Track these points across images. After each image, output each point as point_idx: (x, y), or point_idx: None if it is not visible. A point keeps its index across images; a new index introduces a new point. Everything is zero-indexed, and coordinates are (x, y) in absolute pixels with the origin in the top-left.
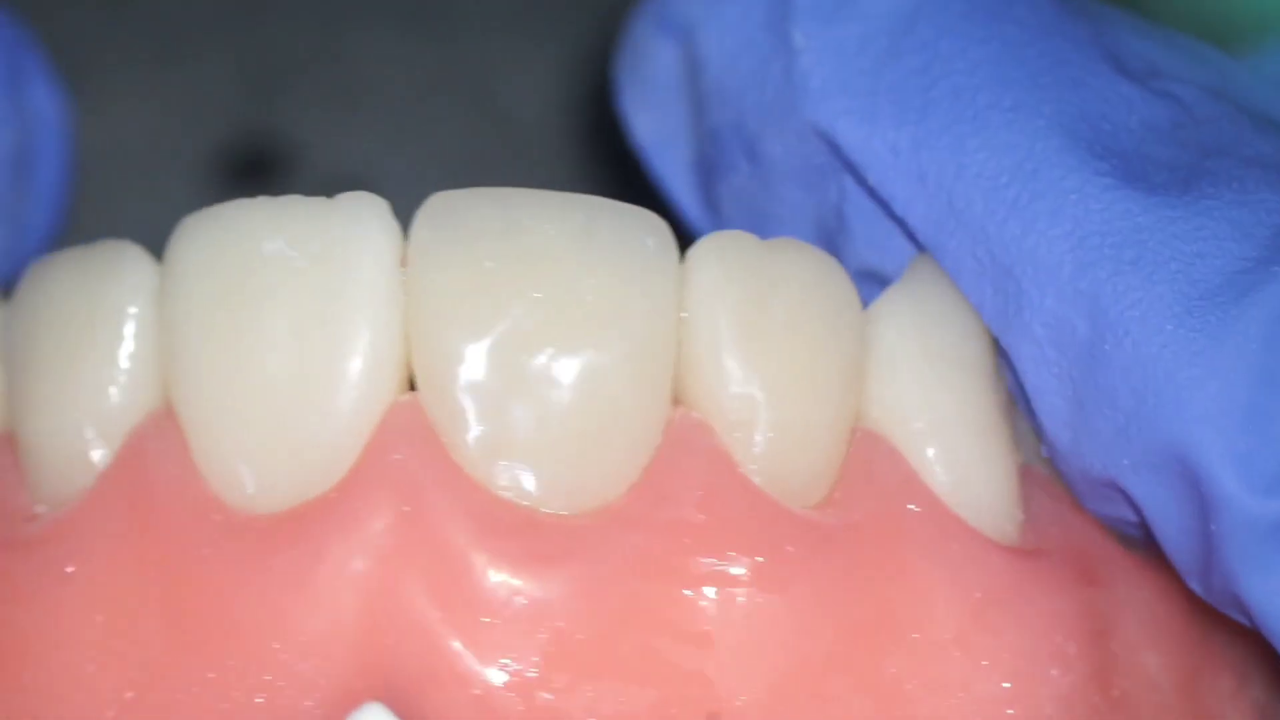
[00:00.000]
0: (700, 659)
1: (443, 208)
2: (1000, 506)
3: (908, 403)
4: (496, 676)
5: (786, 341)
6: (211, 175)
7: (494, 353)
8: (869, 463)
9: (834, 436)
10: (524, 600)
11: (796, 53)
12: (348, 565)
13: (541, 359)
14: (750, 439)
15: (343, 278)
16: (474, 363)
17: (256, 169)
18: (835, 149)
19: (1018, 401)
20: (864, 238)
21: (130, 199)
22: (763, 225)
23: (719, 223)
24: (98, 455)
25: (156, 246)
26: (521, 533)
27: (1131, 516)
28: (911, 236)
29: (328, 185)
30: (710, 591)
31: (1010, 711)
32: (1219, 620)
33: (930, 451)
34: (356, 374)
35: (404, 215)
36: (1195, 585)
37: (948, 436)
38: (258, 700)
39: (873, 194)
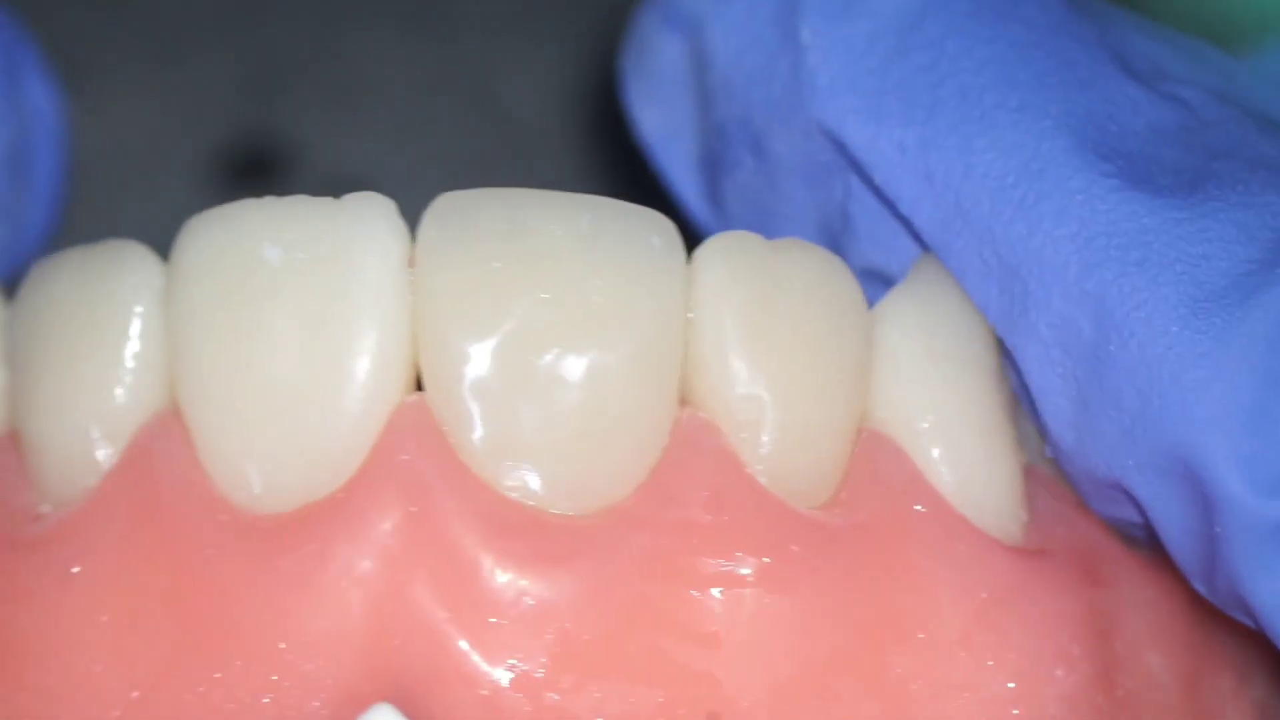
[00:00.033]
0: (707, 659)
1: (450, 208)
2: (1005, 507)
3: (913, 403)
4: (504, 677)
5: (793, 342)
6: (211, 175)
7: (501, 353)
8: (874, 463)
9: (840, 437)
10: (531, 600)
11: (804, 49)
12: (355, 565)
13: (548, 359)
14: (757, 439)
15: (350, 278)
16: (481, 363)
17: (256, 169)
18: (841, 147)
19: (1021, 401)
20: (869, 236)
21: (130, 199)
22: (767, 222)
23: (723, 218)
24: (103, 455)
25: (156, 247)
26: (529, 533)
27: (1135, 517)
28: (916, 236)
29: (328, 185)
30: (717, 592)
31: (1015, 712)
32: (1220, 619)
33: (935, 452)
34: (364, 374)
35: (404, 215)
36: (1199, 586)
37: (953, 437)
38: (264, 701)
39: (878, 193)
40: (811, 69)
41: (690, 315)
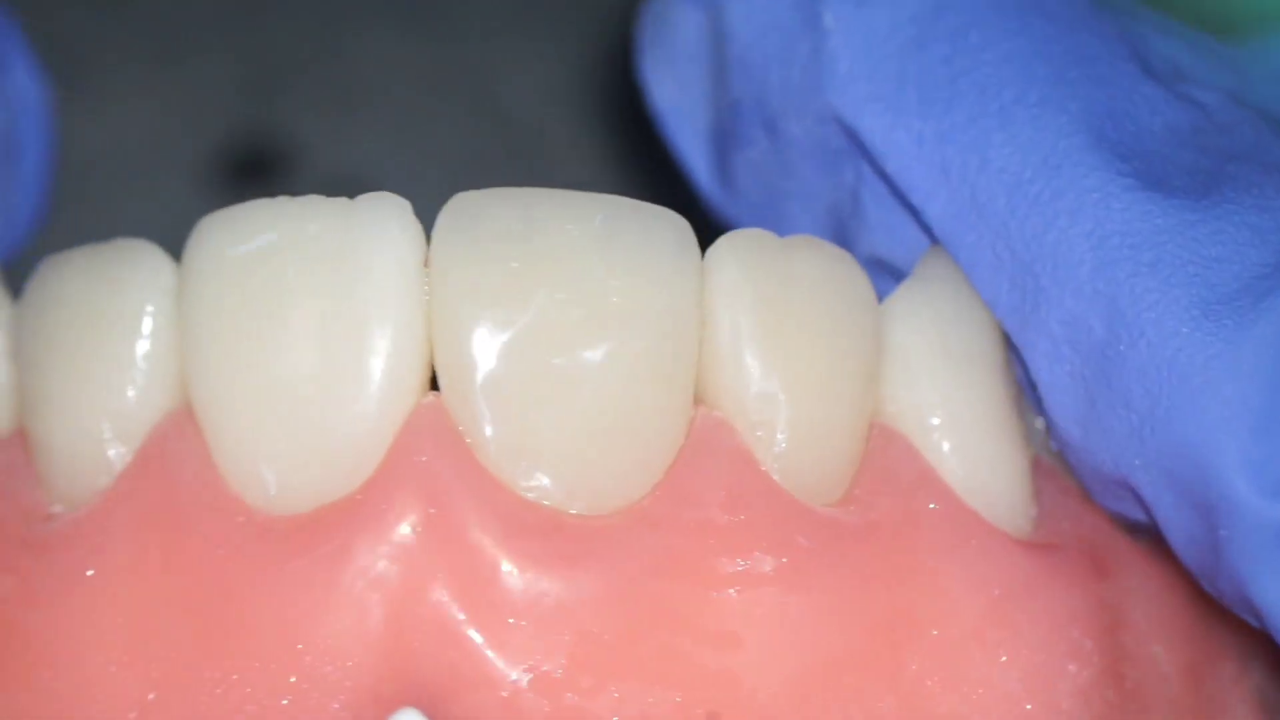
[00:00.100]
0: (725, 658)
1: (465, 208)
2: (1015, 501)
3: (924, 399)
4: (523, 678)
5: (806, 340)
6: (211, 175)
7: (517, 353)
8: (887, 460)
9: (853, 434)
10: (550, 601)
11: (825, 34)
12: (373, 567)
13: (565, 359)
14: (772, 438)
15: (365, 278)
16: (497, 363)
17: (256, 169)
18: (854, 135)
19: (1026, 395)
20: (879, 223)
21: (130, 199)
22: (776, 201)
23: (732, 195)
24: (114, 454)
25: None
26: (546, 534)
27: (1140, 514)
28: (925, 227)
29: (328, 185)
30: (734, 591)
31: (1029, 706)
32: (1221, 609)
33: (946, 447)
34: (379, 375)
35: None
36: (1204, 584)
37: (963, 432)
38: (283, 703)
39: (889, 182)
40: (832, 54)
41: (704, 313)
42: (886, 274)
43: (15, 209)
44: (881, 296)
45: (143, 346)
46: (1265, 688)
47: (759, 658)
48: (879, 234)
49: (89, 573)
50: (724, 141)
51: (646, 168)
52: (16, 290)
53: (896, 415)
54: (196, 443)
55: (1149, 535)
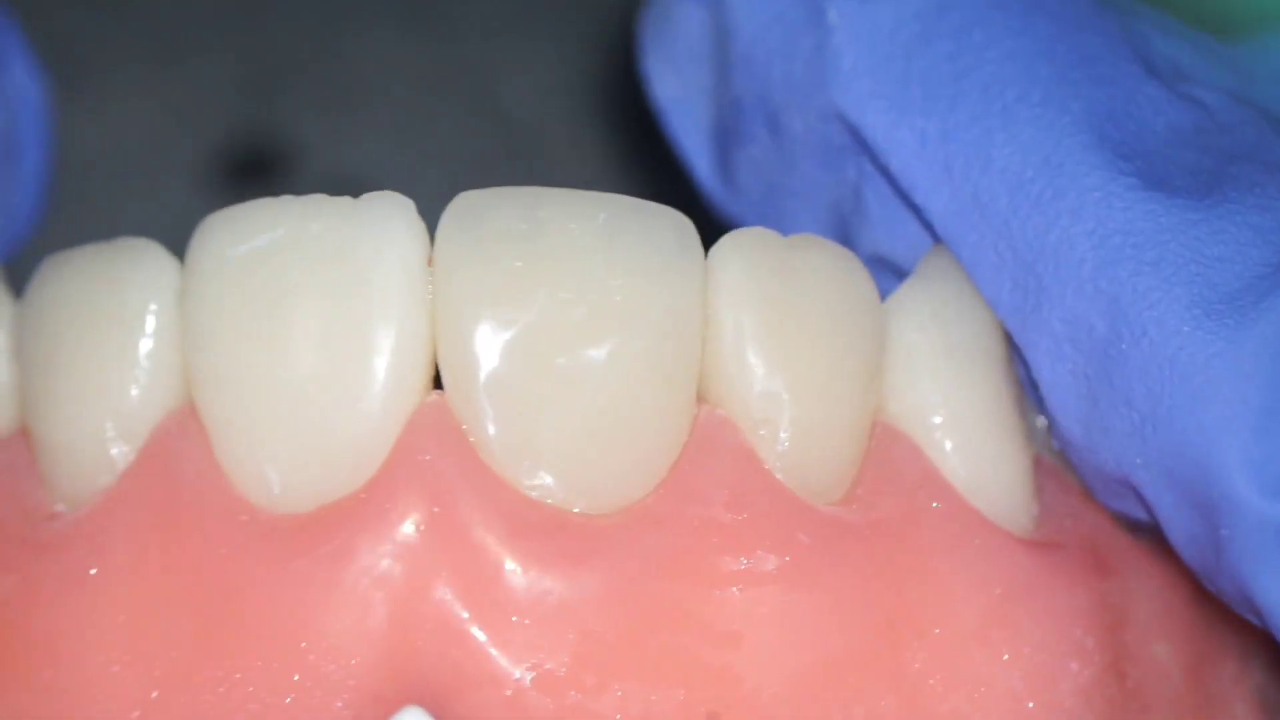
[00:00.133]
0: (728, 657)
1: (468, 207)
2: (1017, 500)
3: (926, 398)
4: (527, 676)
5: (809, 338)
6: (211, 175)
7: (521, 352)
8: (889, 458)
9: (856, 433)
10: (553, 600)
11: (829, 30)
12: (376, 565)
13: (568, 358)
14: (775, 436)
15: (368, 277)
16: (501, 362)
17: (256, 169)
18: (857, 133)
19: (1028, 394)
20: (880, 221)
21: (130, 199)
22: (777, 197)
23: (733, 191)
24: (117, 453)
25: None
26: (550, 532)
27: (1142, 513)
28: (927, 225)
29: (328, 185)
30: (738, 590)
31: (1031, 705)
32: (1221, 607)
33: (949, 446)
34: (383, 373)
35: None
36: (1205, 583)
37: (966, 431)
38: (286, 701)
39: (891, 180)
40: (835, 51)
41: (707, 312)
42: (888, 271)
43: (15, 208)
44: (883, 294)
45: (146, 345)
46: (1266, 687)
47: (762, 656)
48: (881, 231)
49: (92, 572)
50: (726, 138)
51: (647, 167)
52: (17, 289)
53: (899, 414)
54: (199, 442)
55: (1150, 534)
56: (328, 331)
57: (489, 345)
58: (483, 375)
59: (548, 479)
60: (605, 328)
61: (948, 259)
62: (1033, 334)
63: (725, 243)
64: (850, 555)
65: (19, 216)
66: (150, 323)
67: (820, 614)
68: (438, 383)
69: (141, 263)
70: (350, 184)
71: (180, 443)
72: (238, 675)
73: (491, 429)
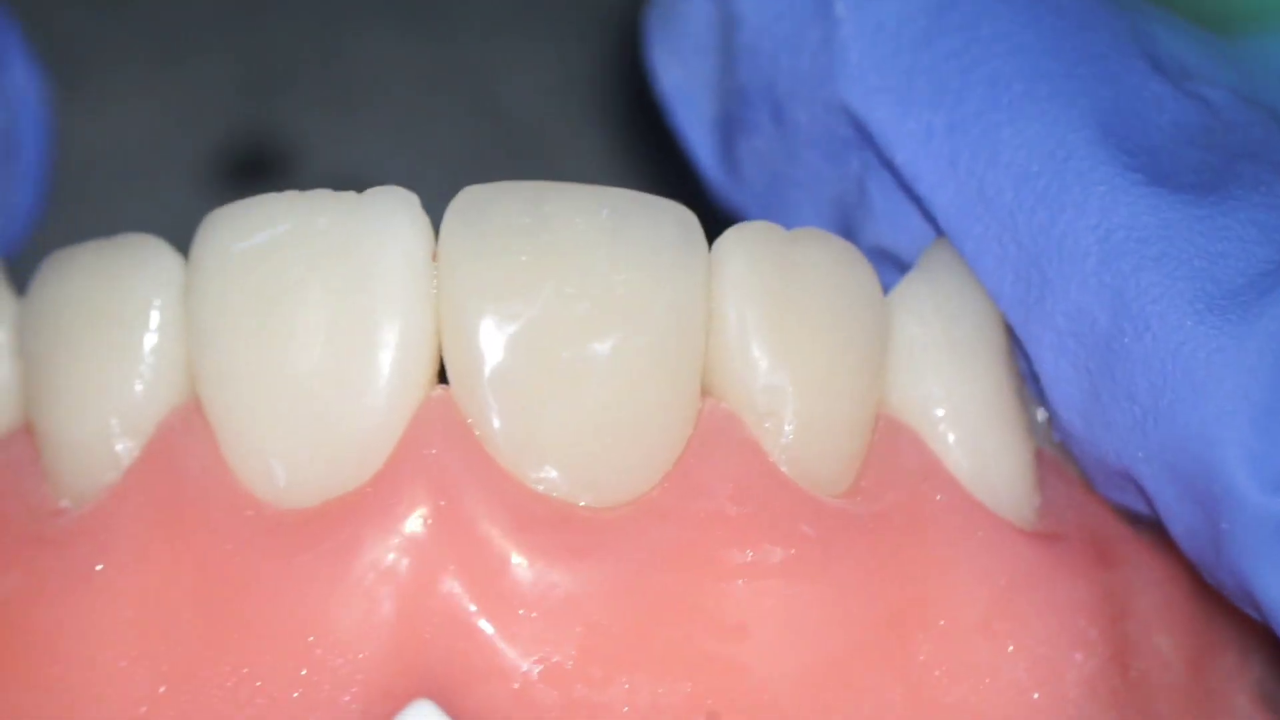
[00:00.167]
0: (735, 649)
1: (473, 202)
2: (1019, 492)
3: (929, 390)
4: (534, 669)
5: (813, 331)
6: (211, 175)
7: (526, 346)
8: (893, 451)
9: (860, 425)
10: (559, 593)
11: (837, 23)
12: (383, 559)
13: (573, 352)
14: (779, 429)
15: (373, 271)
16: (506, 357)
17: (256, 169)
18: (862, 126)
19: (1029, 386)
20: (884, 213)
21: (130, 199)
22: (780, 188)
23: (736, 180)
24: (122, 449)
25: None
26: (556, 526)
27: (1143, 506)
28: (930, 218)
29: (328, 185)
30: (743, 582)
31: (1036, 696)
32: (1221, 599)
33: (951, 438)
34: (388, 368)
35: None
36: (1205, 577)
37: (969, 423)
38: (294, 695)
39: (896, 172)
40: (843, 44)
41: (711, 306)
42: (890, 264)
43: (14, 207)
44: (886, 287)
45: (150, 341)
46: (1265, 680)
47: (768, 648)
48: (884, 224)
49: (98, 568)
50: (730, 128)
51: (647, 167)
52: (17, 289)
53: (901, 407)
54: (205, 437)
55: (1151, 527)
56: (332, 326)
57: (494, 339)
58: (488, 369)
59: (553, 473)
60: (610, 322)
61: (950, 252)
62: (1035, 327)
63: (729, 236)
64: (855, 548)
65: (18, 215)
66: (154, 318)
67: (826, 606)
68: (443, 377)
69: (145, 258)
70: (350, 184)
71: (185, 438)
72: (245, 670)
73: (497, 423)
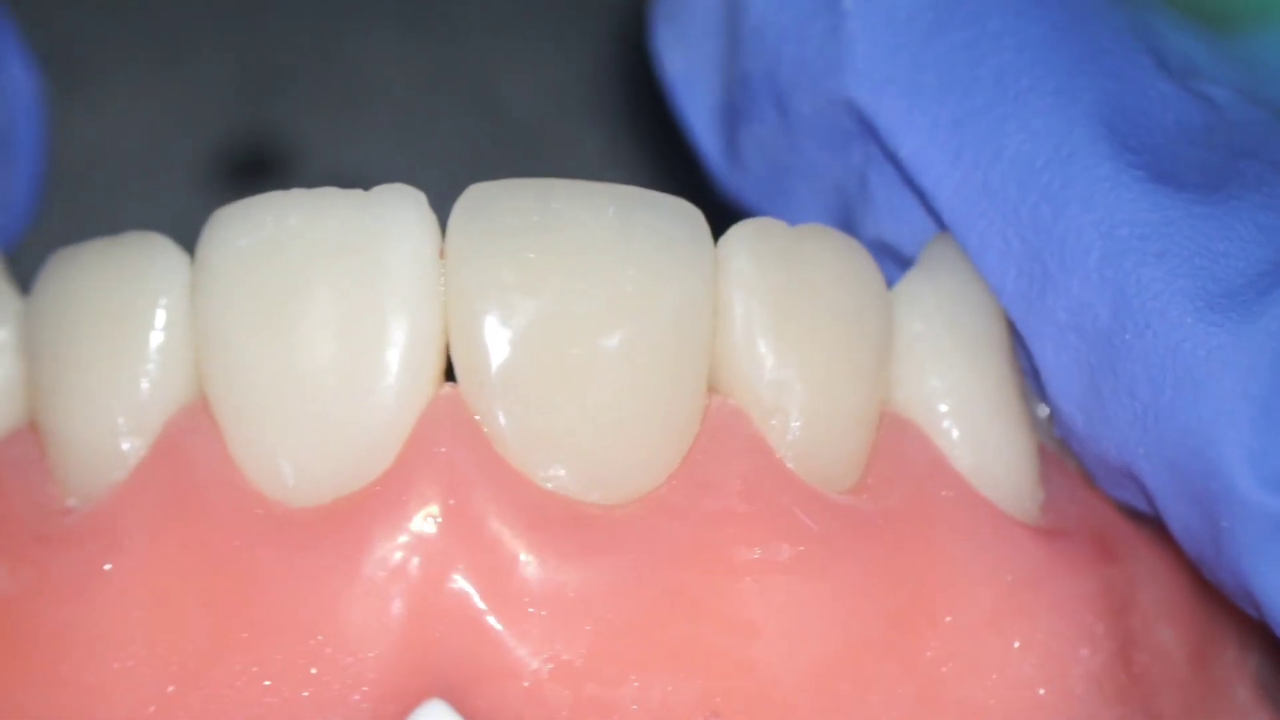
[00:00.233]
0: (744, 647)
1: (480, 199)
2: (1024, 487)
3: (933, 385)
4: (545, 668)
5: (819, 327)
6: (211, 175)
7: (534, 344)
8: (899, 447)
9: (865, 421)
10: (569, 591)
11: (844, 14)
12: (393, 558)
13: (581, 349)
14: (786, 426)
15: (381, 269)
16: (514, 354)
17: (256, 169)
18: (867, 118)
19: (1030, 382)
20: (885, 205)
21: (130, 199)
22: (782, 177)
23: (738, 168)
24: (129, 447)
25: None
26: (566, 524)
27: (1143, 504)
28: (932, 211)
29: (328, 185)
30: (752, 580)
31: (1042, 691)
32: (1221, 594)
33: (956, 434)
34: (397, 366)
35: None
36: (1205, 574)
37: (973, 419)
38: (304, 695)
39: (899, 165)
40: (850, 36)
41: (717, 303)
42: (890, 258)
43: (10, 204)
44: (886, 281)
45: (156, 339)
46: (1262, 675)
47: (777, 645)
48: (884, 216)
49: (106, 567)
50: (732, 115)
51: (647, 167)
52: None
53: (905, 403)
54: (212, 435)
55: (1151, 523)
56: (340, 324)
57: (501, 337)
58: (495, 367)
59: (561, 470)
60: (617, 318)
61: (952, 247)
62: (1037, 322)
63: (734, 233)
64: (863, 544)
65: (14, 213)
66: (161, 317)
67: (834, 603)
68: (450, 375)
69: (152, 256)
70: (351, 183)
71: (193, 436)
72: (255, 669)
73: (504, 420)
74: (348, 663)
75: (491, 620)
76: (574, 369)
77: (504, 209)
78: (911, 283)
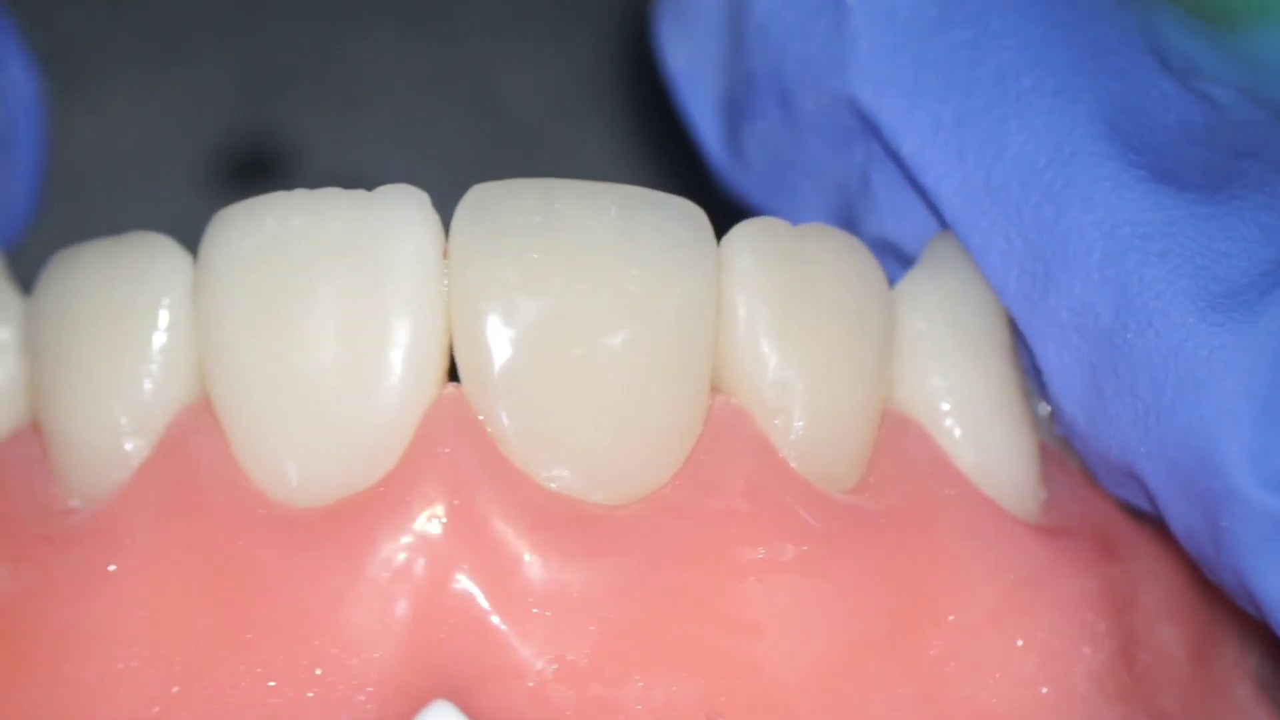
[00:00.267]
0: (748, 646)
1: (483, 200)
2: (1025, 486)
3: (935, 384)
4: (549, 668)
5: (821, 327)
6: (211, 175)
7: (537, 344)
8: (901, 446)
9: (868, 420)
10: (573, 591)
11: (847, 12)
12: (396, 558)
13: (584, 349)
14: (789, 425)
15: (384, 270)
16: (517, 354)
17: (256, 169)
18: (869, 116)
19: (1031, 381)
20: (887, 204)
21: (130, 199)
22: (784, 174)
23: (740, 164)
24: (132, 448)
25: None
26: (570, 524)
27: (1145, 504)
28: (934, 210)
29: (328, 185)
30: (756, 579)
31: (1045, 690)
32: (1221, 593)
33: (958, 433)
34: (400, 366)
35: None
36: (1206, 574)
37: (975, 417)
38: (308, 695)
39: (902, 164)
40: (853, 33)
41: (720, 302)
42: (892, 256)
43: (10, 203)
44: (888, 280)
45: (159, 340)
46: (1262, 674)
47: (781, 645)
48: (886, 215)
49: (110, 567)
50: (735, 111)
51: (648, 167)
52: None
53: (907, 402)
54: (215, 436)
55: (1152, 522)
56: (344, 324)
57: (504, 337)
58: (499, 367)
59: (565, 471)
60: (620, 318)
61: (954, 246)
62: (1039, 321)
63: (737, 233)
64: (866, 543)
65: (14, 213)
66: (164, 317)
67: (838, 602)
68: (454, 375)
69: (154, 257)
70: (351, 184)
71: (196, 437)
72: (259, 670)
73: (508, 420)
74: (352, 663)
75: (496, 621)
76: (577, 369)
77: (507, 209)
78: (914, 281)
